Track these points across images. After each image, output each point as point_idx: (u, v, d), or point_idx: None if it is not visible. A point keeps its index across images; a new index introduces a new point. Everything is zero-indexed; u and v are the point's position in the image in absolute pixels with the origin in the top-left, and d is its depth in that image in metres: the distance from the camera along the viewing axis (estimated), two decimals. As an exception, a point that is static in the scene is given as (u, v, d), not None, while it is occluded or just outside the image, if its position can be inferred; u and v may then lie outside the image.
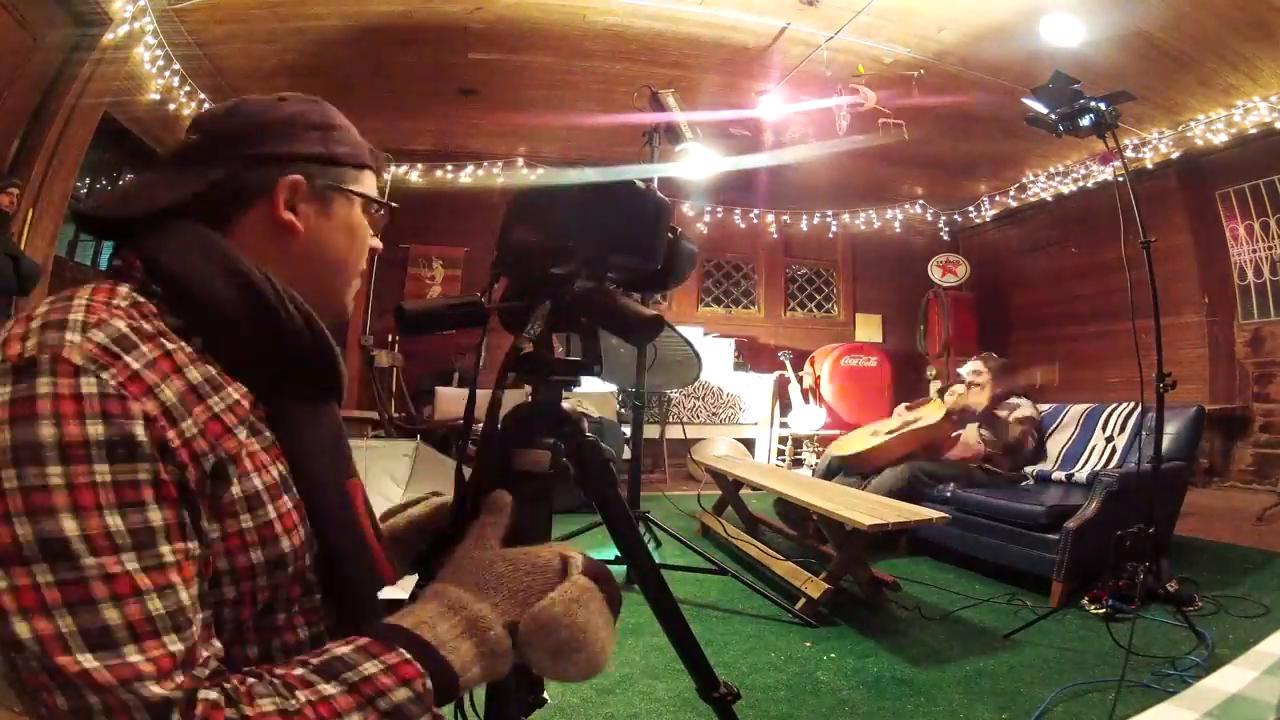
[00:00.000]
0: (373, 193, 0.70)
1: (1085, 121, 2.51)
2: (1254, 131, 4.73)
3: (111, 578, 0.42)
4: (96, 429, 0.43)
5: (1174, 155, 5.25)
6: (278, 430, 0.57)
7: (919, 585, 2.88)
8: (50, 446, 0.42)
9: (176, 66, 4.44)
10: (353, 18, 4.30)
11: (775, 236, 7.30)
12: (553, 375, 0.73)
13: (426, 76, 5.13)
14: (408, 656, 0.48)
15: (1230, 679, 0.78)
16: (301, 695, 0.44)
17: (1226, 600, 2.50)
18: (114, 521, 0.42)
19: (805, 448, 6.30)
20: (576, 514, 3.02)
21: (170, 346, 0.51)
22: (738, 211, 7.10)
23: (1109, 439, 3.18)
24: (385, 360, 6.18)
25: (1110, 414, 3.30)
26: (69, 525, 0.41)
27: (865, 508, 2.49)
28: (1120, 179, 2.72)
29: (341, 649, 0.48)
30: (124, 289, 0.53)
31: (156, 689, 0.41)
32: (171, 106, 4.57)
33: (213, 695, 0.42)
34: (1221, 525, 3.71)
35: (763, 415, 6.34)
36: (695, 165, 3.12)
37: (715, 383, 6.21)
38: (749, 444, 6.35)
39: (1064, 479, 3.23)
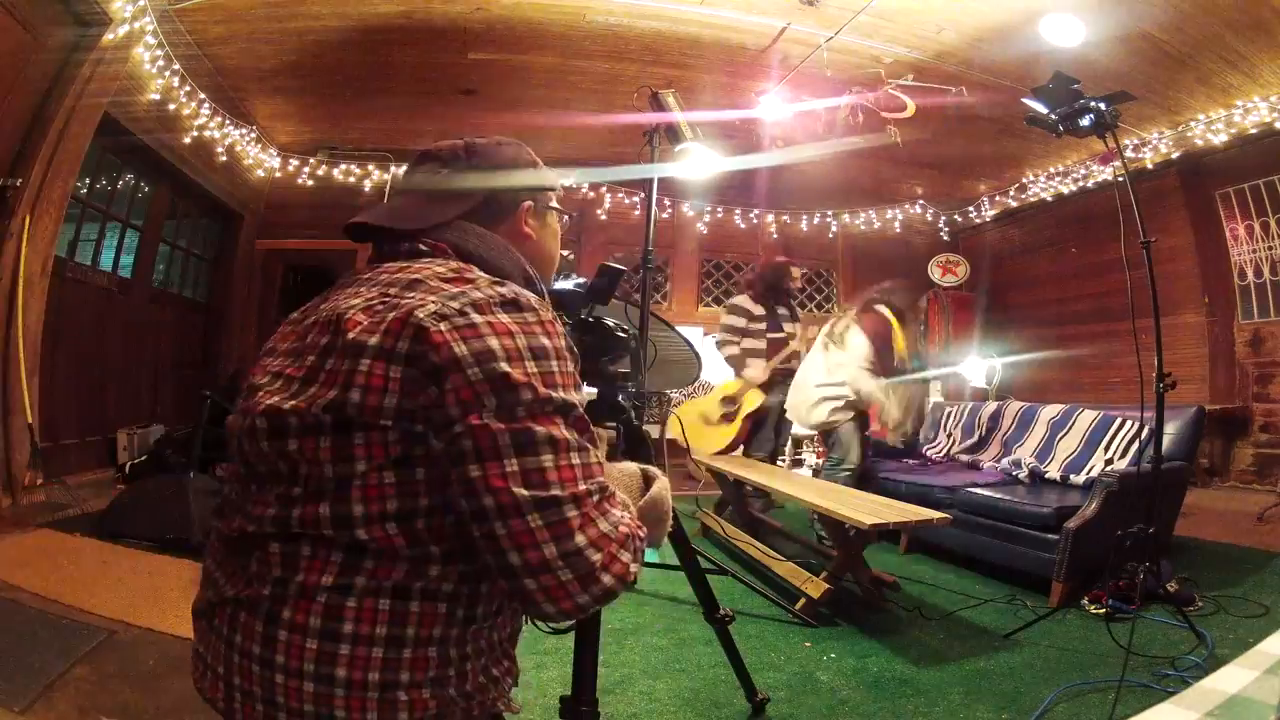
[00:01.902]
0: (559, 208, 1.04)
1: (1085, 121, 2.50)
2: (1254, 131, 4.72)
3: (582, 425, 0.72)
4: (561, 340, 0.74)
5: (1174, 155, 5.25)
6: None
7: (919, 585, 2.88)
8: (551, 348, 0.72)
9: (176, 66, 4.43)
10: (353, 18, 4.30)
11: (775, 236, 7.30)
12: (619, 382, 1.27)
13: (426, 76, 5.12)
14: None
15: (1230, 679, 0.77)
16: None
17: (1226, 600, 2.50)
18: (576, 395, 0.73)
19: (805, 448, 6.29)
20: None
21: None
22: (738, 211, 7.10)
23: (1109, 460, 3.16)
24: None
25: (1115, 434, 3.26)
26: (569, 395, 0.71)
27: (866, 508, 2.49)
28: (1120, 179, 2.72)
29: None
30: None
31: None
32: (171, 106, 4.57)
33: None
34: (1221, 525, 3.71)
35: (763, 415, 6.33)
36: (696, 166, 3.13)
37: (715, 383, 6.19)
38: (749, 444, 6.34)
39: (1059, 479, 3.23)
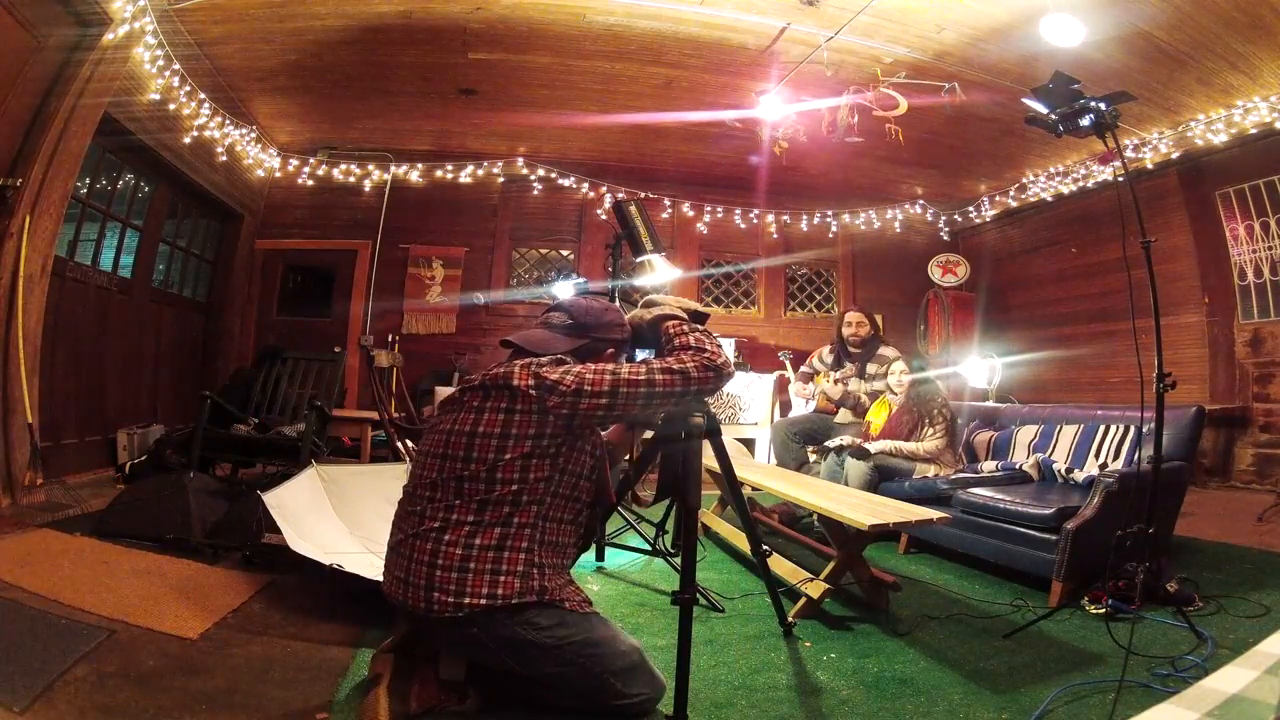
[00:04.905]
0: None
1: (1085, 121, 2.50)
2: (1254, 131, 4.72)
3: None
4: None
5: (1174, 155, 5.25)
6: None
7: (919, 585, 2.88)
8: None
9: (176, 66, 4.44)
10: (353, 18, 4.30)
11: (775, 236, 7.30)
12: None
13: (426, 76, 5.12)
14: None
15: (1230, 679, 0.77)
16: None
17: (1226, 600, 2.50)
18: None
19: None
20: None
21: None
22: (738, 211, 7.10)
23: (1103, 465, 3.15)
24: (385, 360, 6.17)
25: (1102, 440, 3.25)
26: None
27: (866, 508, 2.49)
28: (1120, 179, 2.72)
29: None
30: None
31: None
32: (171, 106, 4.57)
33: None
34: (1221, 525, 3.71)
35: (763, 415, 6.33)
36: (656, 276, 3.25)
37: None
38: (749, 444, 6.34)
39: (1062, 474, 3.22)
